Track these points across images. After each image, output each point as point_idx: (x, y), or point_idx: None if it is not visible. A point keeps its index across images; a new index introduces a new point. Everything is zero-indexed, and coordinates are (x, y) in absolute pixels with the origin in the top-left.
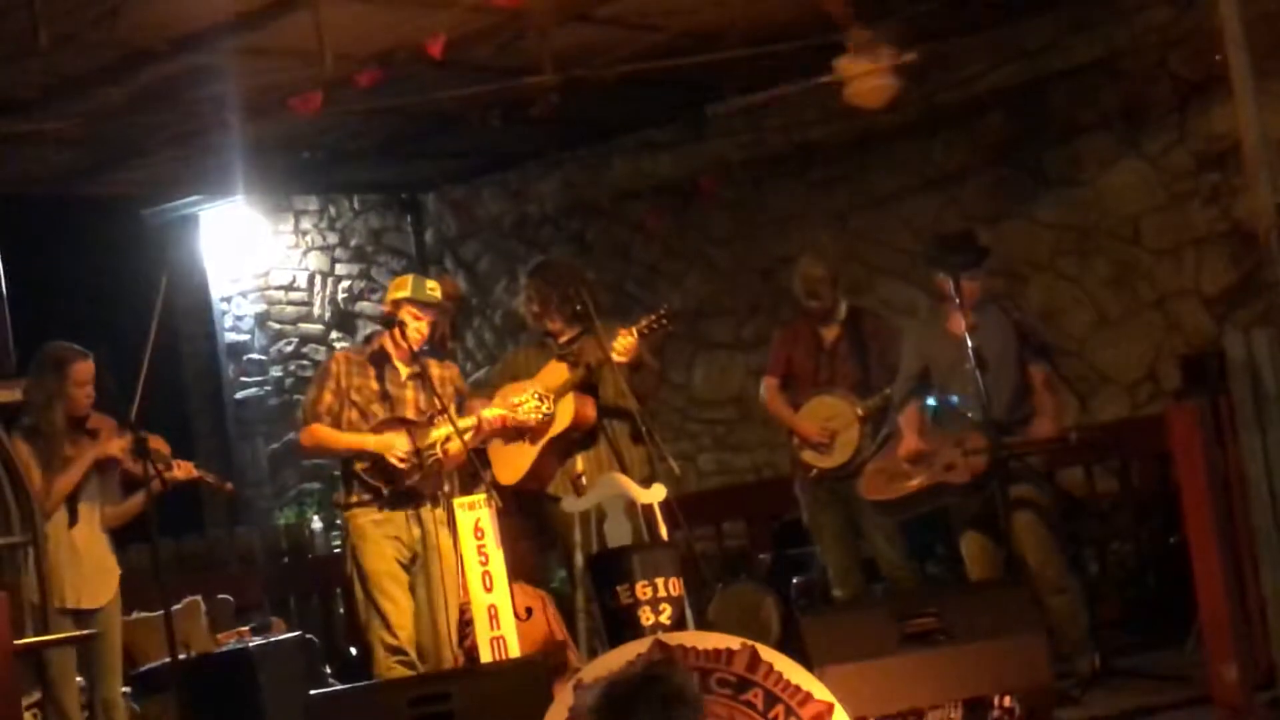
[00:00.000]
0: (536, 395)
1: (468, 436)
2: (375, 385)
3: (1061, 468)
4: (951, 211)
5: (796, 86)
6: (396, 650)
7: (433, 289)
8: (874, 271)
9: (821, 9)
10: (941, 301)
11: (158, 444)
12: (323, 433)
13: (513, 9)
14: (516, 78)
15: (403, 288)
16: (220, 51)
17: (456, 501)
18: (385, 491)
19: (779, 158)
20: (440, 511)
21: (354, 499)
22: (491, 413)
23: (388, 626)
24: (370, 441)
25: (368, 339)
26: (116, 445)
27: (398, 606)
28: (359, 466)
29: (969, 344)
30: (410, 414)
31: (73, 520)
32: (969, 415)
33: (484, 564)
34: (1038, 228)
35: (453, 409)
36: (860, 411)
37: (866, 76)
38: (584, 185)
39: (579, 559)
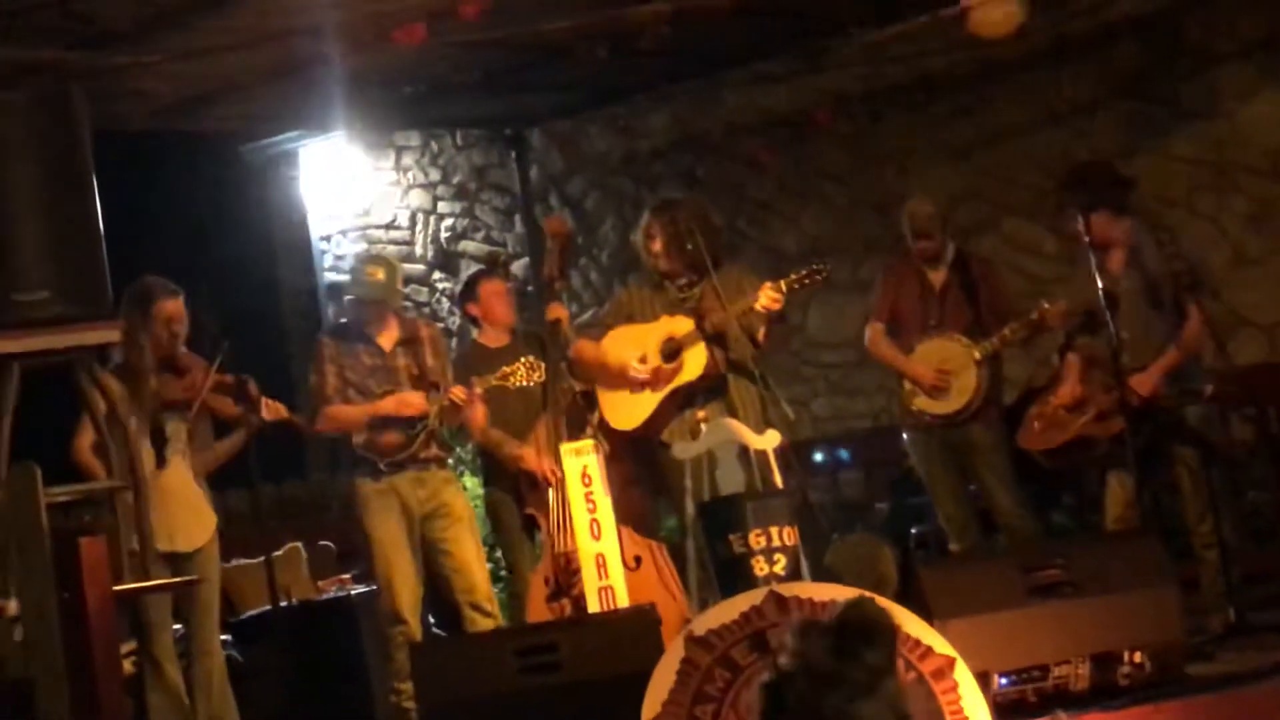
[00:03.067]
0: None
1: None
2: (366, 359)
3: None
4: (1080, 146)
5: (920, 20)
6: (395, 619)
7: (371, 275)
8: (997, 209)
9: None
10: (1073, 241)
11: (248, 386)
12: (338, 412)
13: None
14: (625, 7)
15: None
16: None
17: (563, 447)
18: (381, 466)
19: (898, 90)
20: (449, 472)
21: (356, 471)
22: (460, 391)
23: (389, 592)
24: (383, 406)
25: (340, 318)
26: (205, 388)
27: (399, 574)
28: (356, 440)
29: (1121, 285)
30: (407, 385)
31: (160, 463)
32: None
33: (591, 511)
34: (1172, 163)
35: (449, 374)
36: (977, 355)
37: (992, 4)
38: (694, 119)
39: (690, 507)
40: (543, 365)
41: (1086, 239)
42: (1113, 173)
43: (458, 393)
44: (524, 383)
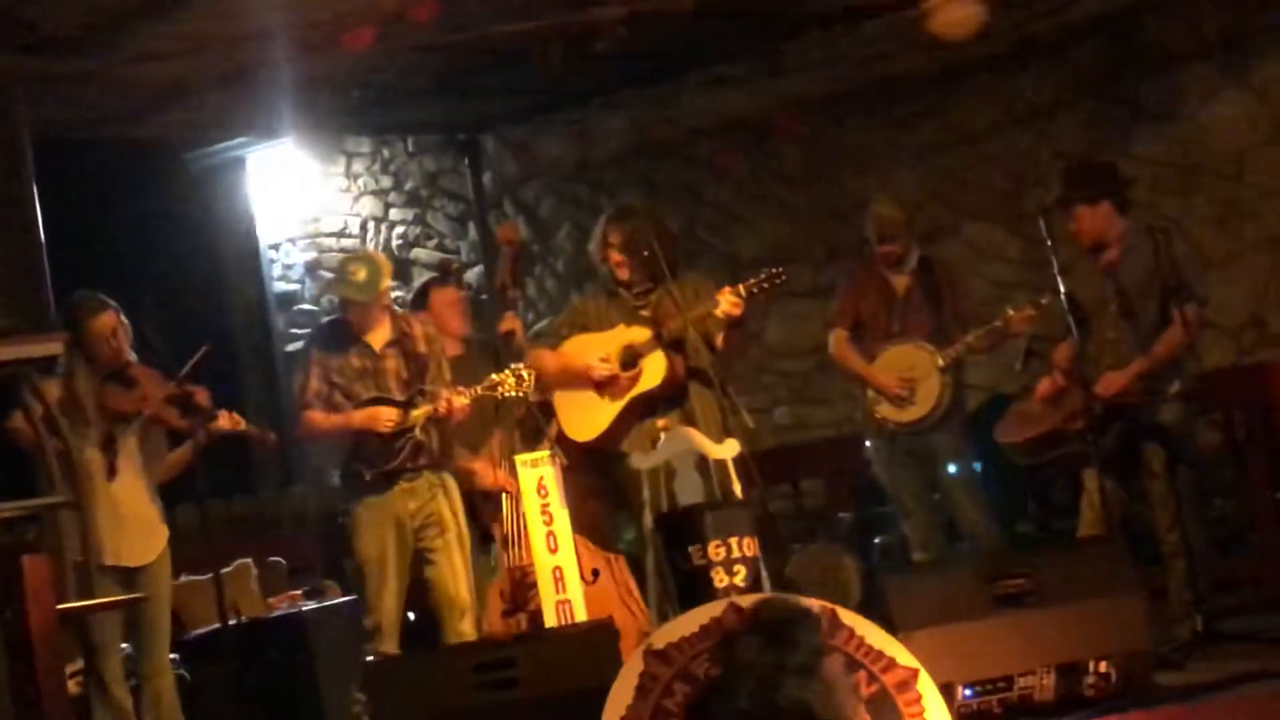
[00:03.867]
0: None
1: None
2: (355, 362)
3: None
4: (1042, 148)
5: (879, 19)
6: (375, 638)
7: (352, 274)
8: (959, 213)
9: None
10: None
11: (199, 395)
12: (315, 418)
13: None
14: (580, 10)
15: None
16: None
17: (518, 458)
18: (367, 476)
19: (859, 93)
20: (436, 477)
21: (346, 484)
22: (460, 401)
23: (375, 613)
24: (356, 418)
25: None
26: (155, 399)
27: (388, 595)
28: (343, 450)
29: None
30: (394, 389)
31: (111, 474)
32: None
33: (548, 524)
34: (1134, 164)
35: (445, 370)
36: (941, 361)
37: (952, 6)
38: (652, 124)
39: (648, 518)
40: (533, 376)
41: (1074, 227)
42: (1115, 170)
43: (453, 402)
44: (513, 393)
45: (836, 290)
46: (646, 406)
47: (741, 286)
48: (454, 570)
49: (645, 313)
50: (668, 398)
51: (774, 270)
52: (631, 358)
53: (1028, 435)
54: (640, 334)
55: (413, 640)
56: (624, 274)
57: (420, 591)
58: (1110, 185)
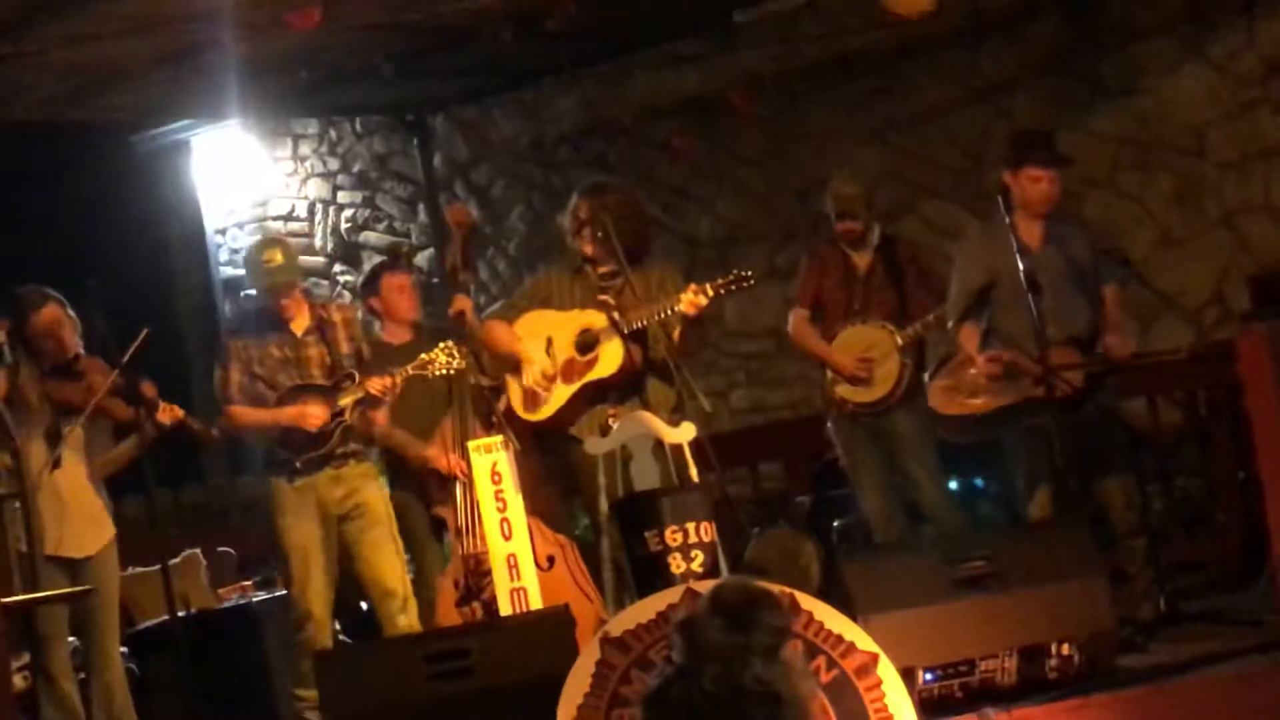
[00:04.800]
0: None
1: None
2: (276, 352)
3: (1123, 399)
4: (1000, 125)
5: None
6: (303, 625)
7: (269, 259)
8: (917, 191)
9: None
10: (1011, 210)
11: (145, 387)
12: (240, 414)
13: None
14: None
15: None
16: None
17: (471, 444)
18: (297, 463)
19: (814, 70)
20: (367, 465)
21: (271, 469)
22: (379, 383)
23: (301, 599)
24: (285, 415)
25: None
26: (100, 391)
27: (313, 579)
28: (268, 437)
29: (1045, 258)
30: (317, 375)
31: (55, 466)
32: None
33: (501, 510)
34: (1094, 141)
35: (366, 351)
36: (900, 341)
37: None
38: (604, 103)
39: (603, 504)
40: (463, 350)
41: (1008, 219)
42: (1050, 139)
43: (375, 384)
44: (445, 371)
45: (799, 270)
46: (599, 392)
47: (708, 285)
48: (388, 561)
49: (607, 297)
50: (621, 385)
51: (741, 273)
52: (589, 341)
53: (986, 407)
54: (599, 319)
55: (364, 632)
56: (590, 250)
57: (346, 588)
58: (1061, 155)
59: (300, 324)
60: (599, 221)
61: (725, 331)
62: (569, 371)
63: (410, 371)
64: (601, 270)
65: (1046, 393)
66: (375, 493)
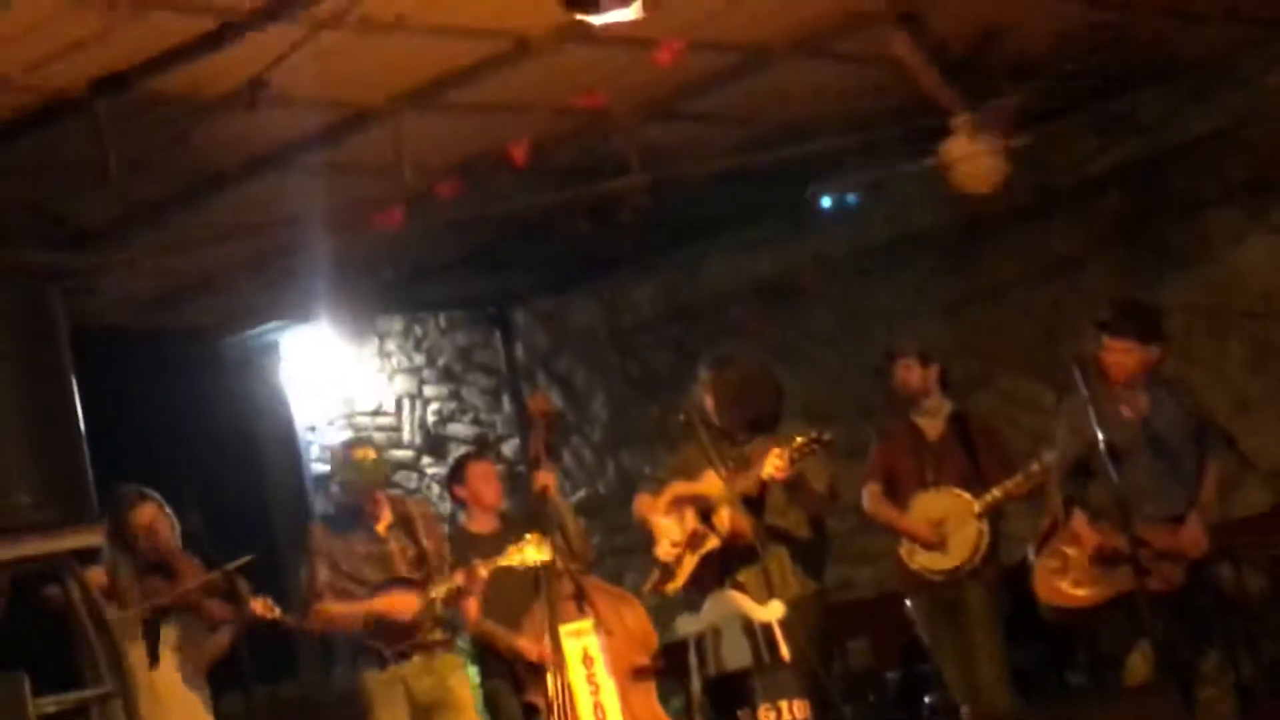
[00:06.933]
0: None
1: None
2: (360, 548)
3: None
4: (1073, 298)
5: (901, 169)
6: None
7: (361, 458)
8: (992, 364)
9: (923, 93)
10: (1090, 380)
11: (239, 585)
12: (330, 610)
13: (596, 110)
14: (603, 180)
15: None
16: (294, 170)
17: (563, 629)
18: (387, 653)
19: (884, 249)
20: (453, 657)
21: (360, 661)
22: (485, 568)
23: None
24: (377, 605)
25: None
26: (196, 589)
27: None
28: (361, 628)
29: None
30: (403, 569)
31: (153, 663)
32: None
33: (594, 694)
34: (1166, 309)
35: (446, 548)
36: (977, 508)
37: (973, 159)
38: (680, 289)
39: (696, 684)
40: (550, 540)
41: (1086, 391)
42: (1129, 308)
43: (459, 578)
44: (534, 561)
45: (870, 446)
46: (725, 561)
47: (788, 450)
48: None
49: (720, 465)
50: (742, 554)
51: (818, 434)
52: (707, 511)
53: (1087, 601)
54: (716, 486)
55: None
56: (719, 421)
57: None
58: (1160, 330)
59: (384, 521)
60: (737, 391)
61: None
62: (694, 540)
63: (499, 563)
64: (738, 439)
65: (1141, 587)
66: (462, 682)
